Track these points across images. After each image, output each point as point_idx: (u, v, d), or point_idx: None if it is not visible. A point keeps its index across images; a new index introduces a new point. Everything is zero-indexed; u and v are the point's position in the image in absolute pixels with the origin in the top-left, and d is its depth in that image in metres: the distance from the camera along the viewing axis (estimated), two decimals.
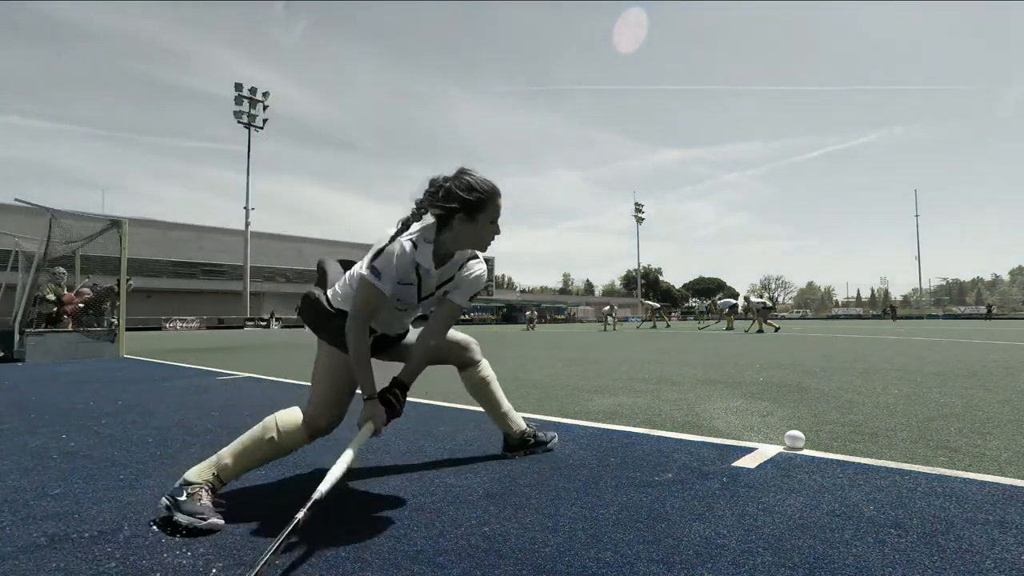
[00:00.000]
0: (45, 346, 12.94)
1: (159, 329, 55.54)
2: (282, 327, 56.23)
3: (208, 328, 55.97)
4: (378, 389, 3.03)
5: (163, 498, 2.73)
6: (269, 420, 3.04)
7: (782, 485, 3.19)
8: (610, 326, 36.03)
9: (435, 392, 6.96)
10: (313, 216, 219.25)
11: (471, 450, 4.01)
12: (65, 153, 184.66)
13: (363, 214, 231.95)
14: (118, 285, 14.50)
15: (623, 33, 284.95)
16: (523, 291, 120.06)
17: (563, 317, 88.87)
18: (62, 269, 14.81)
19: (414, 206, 2.94)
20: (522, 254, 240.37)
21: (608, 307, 36.39)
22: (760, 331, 25.78)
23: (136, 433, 4.68)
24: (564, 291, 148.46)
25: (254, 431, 3.00)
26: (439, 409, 5.77)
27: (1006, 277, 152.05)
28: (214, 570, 2.27)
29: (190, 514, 2.62)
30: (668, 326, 30.81)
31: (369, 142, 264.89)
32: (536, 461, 3.70)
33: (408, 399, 6.26)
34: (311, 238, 79.25)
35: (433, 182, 2.93)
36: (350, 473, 3.43)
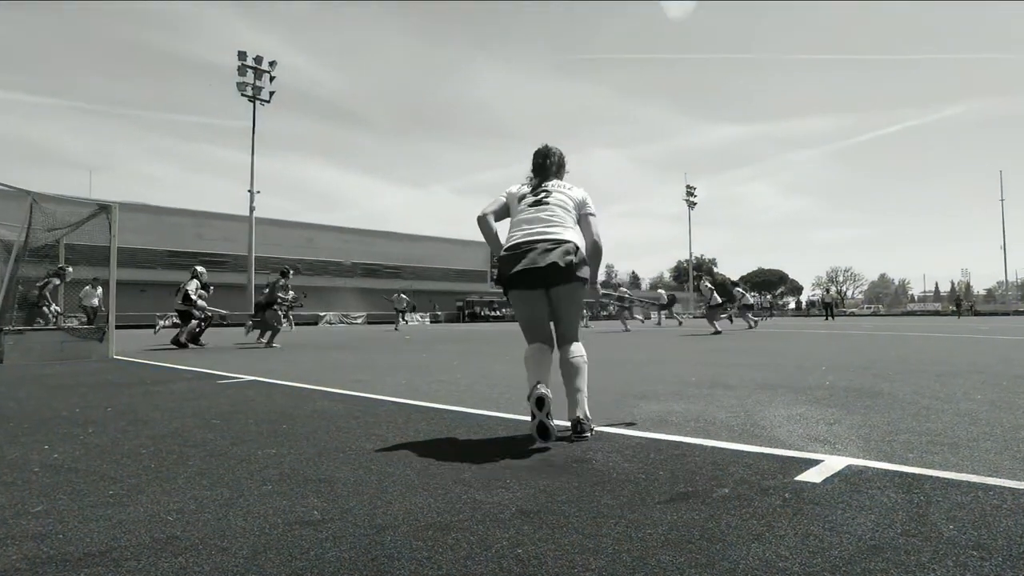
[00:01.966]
0: (26, 346, 13.04)
1: (153, 327, 56.16)
2: (293, 324, 56.58)
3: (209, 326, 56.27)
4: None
5: None
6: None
7: (851, 501, 3.15)
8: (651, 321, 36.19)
9: (463, 396, 6.98)
10: (325, 200, 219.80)
11: (503, 461, 4.01)
12: (47, 129, 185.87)
13: (379, 198, 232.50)
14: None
15: None
16: None
17: (607, 313, 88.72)
18: (70, 268, 15.09)
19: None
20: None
21: (657, 297, 36.57)
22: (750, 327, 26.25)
23: (127, 443, 4.72)
24: (607, 284, 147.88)
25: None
26: (466, 416, 5.78)
27: None
28: None
29: None
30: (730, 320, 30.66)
31: (386, 118, 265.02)
32: (576, 475, 3.70)
33: (431, 404, 6.39)
34: (323, 224, 79.66)
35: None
36: (363, 488, 3.44)
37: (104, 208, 14.73)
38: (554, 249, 4.72)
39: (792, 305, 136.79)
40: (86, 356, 13.89)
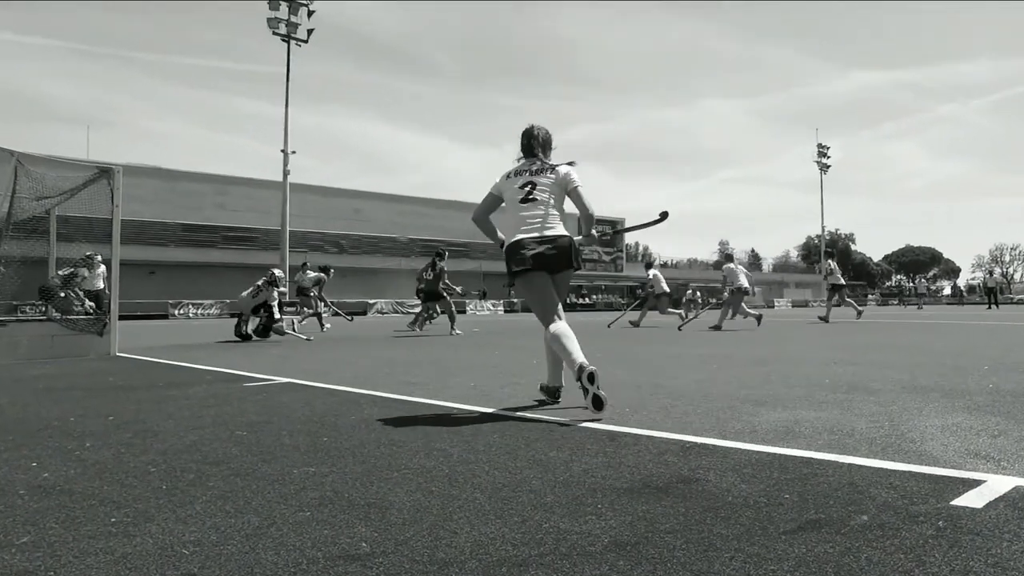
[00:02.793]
0: (8, 340, 13.18)
1: (165, 317, 57.11)
2: (334, 314, 57.13)
3: (232, 315, 57.11)
4: None
5: None
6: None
7: (1019, 531, 3.11)
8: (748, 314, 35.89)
9: (543, 403, 6.98)
10: (375, 163, 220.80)
11: (594, 483, 3.98)
12: (35, 75, 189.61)
13: (442, 160, 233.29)
14: None
15: None
16: (665, 265, 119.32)
17: (719, 300, 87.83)
18: (98, 257, 15.34)
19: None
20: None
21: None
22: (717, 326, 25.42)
23: (133, 460, 4.76)
24: (720, 265, 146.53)
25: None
26: (548, 427, 5.79)
27: None
28: None
29: None
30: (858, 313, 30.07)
31: (451, 63, 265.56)
32: (682, 498, 3.67)
33: (505, 412, 6.48)
34: (373, 192, 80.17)
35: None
36: (422, 515, 3.42)
37: (105, 172, 14.83)
38: (557, 240, 6.76)
39: (947, 291, 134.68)
40: (83, 353, 14.08)
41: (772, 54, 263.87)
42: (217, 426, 5.99)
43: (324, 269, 27.17)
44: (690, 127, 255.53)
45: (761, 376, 9.09)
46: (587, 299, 77.83)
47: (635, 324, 26.41)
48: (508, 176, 7.07)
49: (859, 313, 28.33)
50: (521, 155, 7.19)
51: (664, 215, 7.67)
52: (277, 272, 20.26)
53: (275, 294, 19.88)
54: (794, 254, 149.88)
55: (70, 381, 9.63)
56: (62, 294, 16.83)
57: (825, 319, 27.28)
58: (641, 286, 25.96)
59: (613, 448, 4.87)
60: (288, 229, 59.80)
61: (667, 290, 26.18)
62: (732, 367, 10.35)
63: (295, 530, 3.25)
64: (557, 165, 7.00)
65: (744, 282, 23.93)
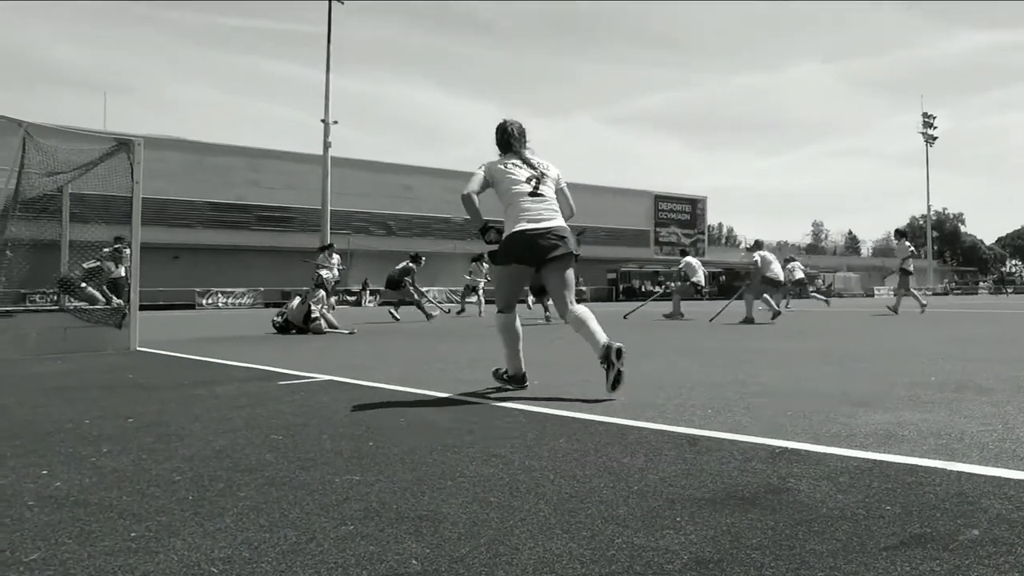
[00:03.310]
0: (16, 333, 13.28)
1: (191, 307, 57.55)
2: (380, 303, 57.53)
3: (267, 305, 57.41)
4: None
5: None
6: None
7: None
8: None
9: (617, 403, 7.00)
10: (427, 134, 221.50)
11: (672, 493, 3.98)
12: (45, 37, 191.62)
13: None
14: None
15: None
16: (752, 248, 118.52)
17: (813, 290, 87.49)
18: (127, 249, 15.41)
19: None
20: (748, 193, 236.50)
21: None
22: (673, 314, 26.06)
23: (155, 467, 4.80)
24: (815, 248, 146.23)
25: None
26: (622, 430, 5.79)
27: None
28: None
29: None
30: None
31: (510, 22, 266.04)
32: (771, 510, 3.66)
33: (572, 413, 6.49)
34: (424, 167, 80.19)
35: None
36: (479, 529, 3.42)
37: (123, 145, 14.84)
38: (563, 233, 7.92)
39: None
40: (99, 347, 14.20)
41: (870, 12, 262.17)
42: (249, 429, 6.03)
43: (415, 258, 27.63)
44: (778, 94, 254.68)
45: (859, 373, 9.09)
46: (663, 287, 77.57)
47: (743, 316, 26.39)
48: (504, 166, 8.18)
49: (923, 308, 28.00)
50: (500, 151, 8.44)
51: (583, 231, 9.42)
52: (324, 274, 20.52)
53: (319, 295, 20.09)
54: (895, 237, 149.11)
55: (85, 379, 9.73)
56: (83, 285, 16.96)
57: (921, 304, 27.09)
58: (724, 272, 25.67)
59: (693, 454, 4.87)
60: (329, 208, 60.08)
61: (780, 276, 25.97)
62: (826, 363, 10.37)
63: (337, 546, 3.26)
64: (548, 163, 8.40)
65: (778, 272, 23.68)
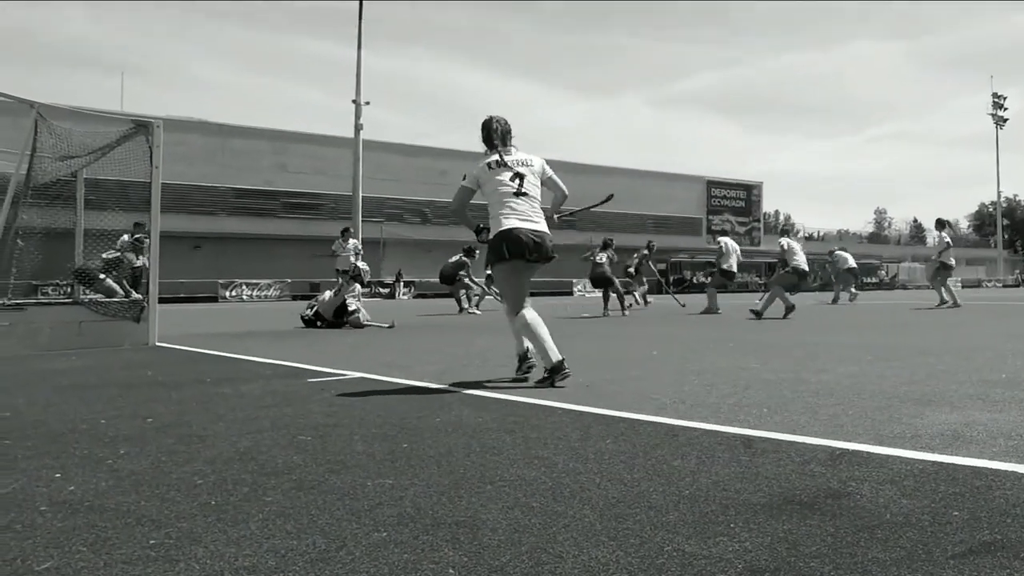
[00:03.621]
0: (27, 327, 13.32)
1: (214, 299, 57.75)
2: (414, 296, 57.66)
3: (294, 297, 57.52)
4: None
5: None
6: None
7: None
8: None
9: (667, 402, 7.02)
10: (465, 115, 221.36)
11: (725, 497, 3.97)
12: (59, 14, 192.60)
13: (545, 112, 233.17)
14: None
15: None
16: (810, 237, 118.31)
17: (875, 281, 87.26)
18: (148, 240, 15.44)
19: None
20: (806, 178, 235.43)
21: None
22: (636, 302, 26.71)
23: (176, 470, 4.81)
24: (877, 237, 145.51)
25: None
26: (671, 430, 5.79)
27: None
28: None
29: None
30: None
31: None
32: (831, 515, 3.65)
33: (619, 413, 6.51)
34: (463, 151, 79.88)
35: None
36: (521, 536, 3.41)
37: (142, 127, 14.86)
38: (544, 235, 8.71)
39: None
40: (116, 342, 14.25)
41: None
42: (276, 430, 6.05)
43: (469, 251, 27.82)
44: (836, 74, 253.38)
45: (925, 370, 9.08)
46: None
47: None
48: (489, 167, 8.99)
49: (955, 302, 27.80)
50: (486, 147, 9.24)
51: (610, 196, 10.94)
52: (362, 265, 20.62)
53: (356, 289, 20.17)
54: (964, 225, 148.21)
55: (101, 376, 9.77)
56: (102, 277, 16.99)
57: (952, 302, 26.97)
58: (782, 263, 25.29)
59: (748, 456, 4.87)
60: (360, 194, 60.02)
61: (805, 266, 25.72)
62: (891, 359, 10.36)
63: (369, 554, 3.25)
64: (530, 156, 9.23)
65: (803, 263, 23.28)
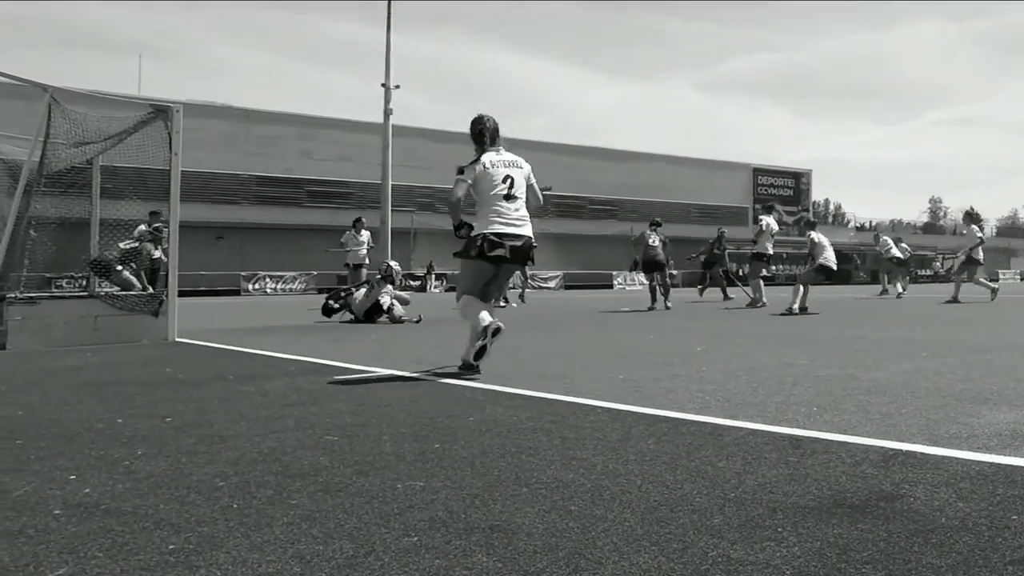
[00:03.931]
0: (40, 322, 13.36)
1: (236, 292, 57.91)
2: (446, 289, 57.70)
3: (320, 291, 57.59)
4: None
5: None
6: None
7: None
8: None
9: (712, 400, 7.03)
10: (500, 100, 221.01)
11: (773, 500, 3.97)
12: None
13: (584, 97, 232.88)
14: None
15: None
16: (861, 228, 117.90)
17: (930, 274, 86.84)
18: (166, 230, 15.47)
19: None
20: (857, 166, 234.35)
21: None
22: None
23: (196, 472, 4.82)
24: (931, 228, 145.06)
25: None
26: (716, 430, 5.80)
27: None
28: None
29: None
30: None
31: None
32: (883, 519, 3.64)
33: (661, 412, 6.53)
34: None
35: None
36: (558, 541, 3.40)
37: (161, 112, 14.82)
38: (529, 240, 9.76)
39: None
40: (134, 338, 14.26)
41: None
42: (301, 429, 6.07)
43: None
44: (891, 56, 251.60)
45: (981, 367, 9.07)
46: (769, 270, 77.12)
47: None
48: (484, 167, 9.83)
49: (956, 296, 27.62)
50: (476, 145, 10.12)
51: (547, 188, 11.10)
52: (394, 265, 20.73)
53: (389, 289, 20.27)
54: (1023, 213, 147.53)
55: (118, 373, 9.82)
56: (119, 268, 17.01)
57: (955, 296, 26.92)
58: (810, 258, 25.07)
59: (797, 457, 4.87)
60: (390, 183, 60.00)
61: (833, 263, 25.49)
62: (945, 355, 10.36)
63: (398, 560, 3.26)
64: (518, 158, 10.18)
65: (832, 259, 22.95)
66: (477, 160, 9.90)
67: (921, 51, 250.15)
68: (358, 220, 27.79)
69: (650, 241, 26.01)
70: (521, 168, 10.03)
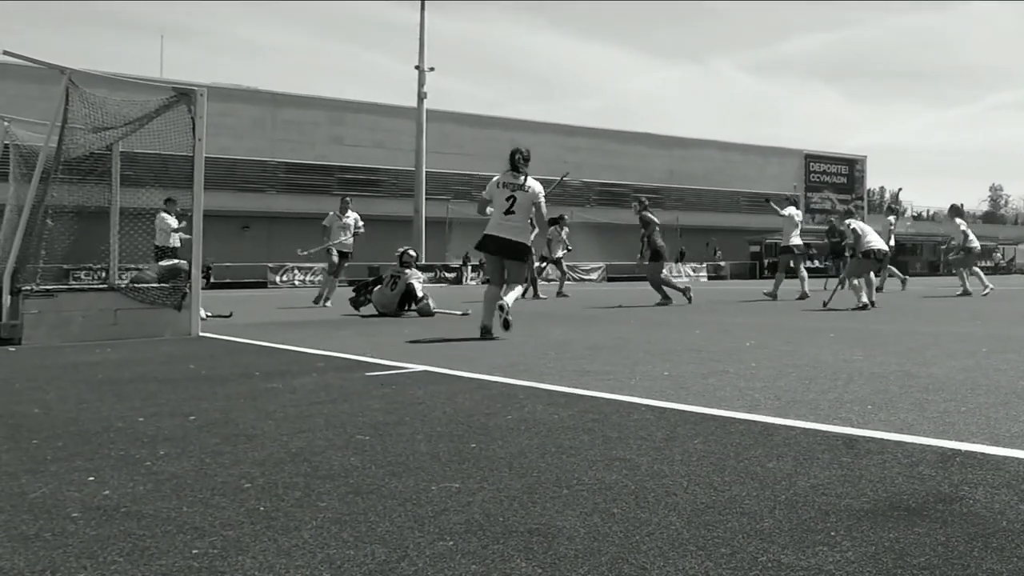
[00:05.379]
0: (57, 316, 13.39)
1: (263, 285, 57.96)
2: (483, 281, 57.61)
3: (350, 283, 57.35)
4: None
5: None
6: None
7: None
8: None
9: (761, 398, 7.02)
10: (539, 83, 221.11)
11: (825, 503, 3.96)
12: None
13: (627, 80, 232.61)
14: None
15: None
16: (919, 216, 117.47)
17: (991, 265, 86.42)
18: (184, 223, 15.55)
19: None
20: (914, 152, 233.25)
21: None
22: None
23: (222, 473, 4.83)
24: (992, 217, 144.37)
25: None
26: (766, 429, 5.79)
27: None
28: None
29: None
30: None
31: None
32: (941, 522, 3.63)
33: (707, 410, 6.55)
34: (535, 121, 79.72)
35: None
36: (601, 545, 3.39)
37: (184, 96, 14.80)
38: (515, 242, 13.72)
39: None
40: (155, 333, 14.30)
41: None
42: (331, 429, 6.08)
43: (555, 221, 27.87)
44: (951, 36, 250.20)
45: None
46: (813, 262, 77.06)
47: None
48: (497, 185, 13.84)
49: (988, 289, 27.45)
50: (508, 167, 14.01)
51: (566, 174, 15.71)
52: (411, 251, 20.91)
53: (418, 274, 20.47)
54: None
55: (138, 370, 9.85)
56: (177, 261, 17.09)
57: (965, 290, 26.90)
58: (851, 250, 24.68)
59: (851, 457, 4.85)
60: (424, 170, 60.16)
61: (881, 245, 25.03)
62: (1006, 351, 10.31)
63: (433, 564, 3.26)
64: (528, 182, 13.75)
65: (876, 243, 22.41)
66: (494, 178, 14.09)
67: (983, 31, 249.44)
68: (343, 200, 26.50)
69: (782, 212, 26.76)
70: (526, 191, 13.65)
